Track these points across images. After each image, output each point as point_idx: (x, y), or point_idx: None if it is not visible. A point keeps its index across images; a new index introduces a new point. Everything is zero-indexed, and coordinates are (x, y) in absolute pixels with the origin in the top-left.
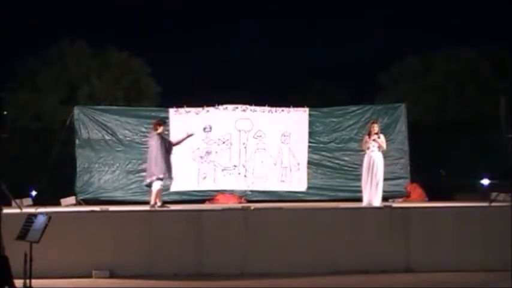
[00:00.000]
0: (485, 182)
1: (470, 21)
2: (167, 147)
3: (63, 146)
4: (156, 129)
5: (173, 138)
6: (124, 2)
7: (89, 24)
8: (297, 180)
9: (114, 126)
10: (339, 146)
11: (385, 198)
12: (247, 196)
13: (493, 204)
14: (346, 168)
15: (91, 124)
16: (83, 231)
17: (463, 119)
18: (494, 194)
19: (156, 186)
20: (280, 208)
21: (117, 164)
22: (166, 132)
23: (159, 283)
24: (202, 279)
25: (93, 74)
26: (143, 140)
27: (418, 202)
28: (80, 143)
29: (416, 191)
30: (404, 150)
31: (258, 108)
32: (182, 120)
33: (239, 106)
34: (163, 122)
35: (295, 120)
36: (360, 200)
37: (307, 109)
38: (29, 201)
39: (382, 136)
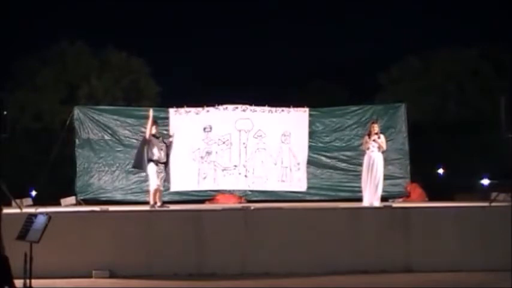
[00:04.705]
0: (485, 182)
1: (470, 21)
2: (148, 145)
3: (63, 146)
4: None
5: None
6: (124, 2)
7: (88, 24)
8: (297, 180)
9: (114, 126)
10: (339, 146)
11: (385, 198)
12: (247, 196)
13: (493, 204)
14: (346, 168)
15: (91, 124)
16: (83, 231)
17: (463, 119)
18: (494, 194)
19: (153, 186)
20: (280, 208)
21: (117, 164)
22: (165, 132)
23: (159, 283)
24: (202, 279)
25: (93, 74)
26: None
27: (418, 202)
28: (80, 143)
29: (416, 191)
30: (404, 150)
31: (258, 108)
32: (182, 120)
33: (239, 106)
34: (155, 122)
35: (295, 120)
36: (360, 200)
37: (307, 109)
38: (29, 201)
39: (382, 136)
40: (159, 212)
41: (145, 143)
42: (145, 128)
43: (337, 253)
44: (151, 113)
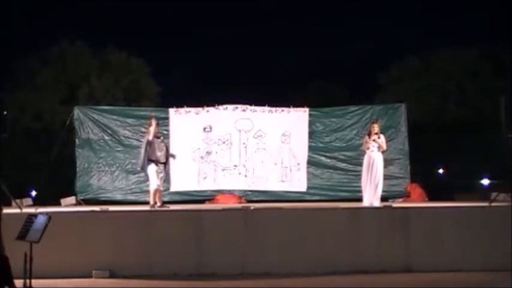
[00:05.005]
0: (485, 182)
1: (470, 21)
2: (150, 146)
3: (63, 146)
4: (148, 129)
5: (172, 139)
6: (124, 2)
7: (88, 24)
8: (297, 180)
9: (114, 126)
10: (339, 146)
11: (385, 198)
12: (247, 196)
13: (493, 204)
14: (346, 168)
15: (91, 124)
16: (83, 231)
17: (463, 119)
18: (494, 194)
19: (153, 186)
20: (280, 208)
21: (117, 164)
22: (165, 132)
23: (159, 283)
24: (202, 279)
25: (93, 74)
26: (143, 140)
27: (418, 202)
28: (80, 143)
29: (416, 191)
30: (404, 150)
31: (258, 108)
32: (182, 120)
33: (239, 106)
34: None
35: (295, 120)
36: (360, 200)
37: (307, 109)
38: (29, 201)
39: (382, 136)
40: (159, 212)
41: (148, 145)
42: (145, 128)
43: (337, 253)
44: (154, 122)
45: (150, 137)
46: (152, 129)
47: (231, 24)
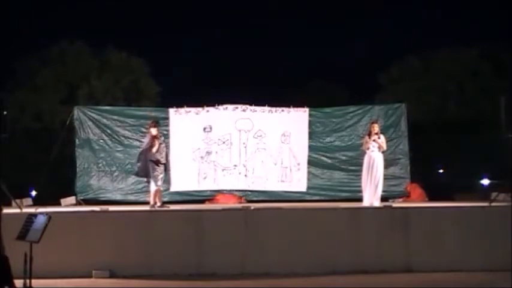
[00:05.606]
0: (485, 182)
1: (470, 21)
2: (152, 149)
3: (63, 146)
4: (149, 130)
5: (172, 139)
6: (124, 2)
7: (88, 24)
8: (297, 180)
9: (114, 126)
10: (339, 146)
11: (385, 198)
12: (247, 196)
13: (493, 204)
14: (346, 168)
15: (91, 124)
16: (83, 231)
17: (463, 119)
18: (494, 194)
19: (153, 186)
20: (280, 208)
21: (117, 164)
22: (165, 132)
23: (159, 283)
24: (202, 279)
25: (93, 74)
26: (143, 140)
27: (418, 202)
28: (80, 143)
29: (416, 191)
30: (404, 151)
31: (258, 108)
32: (182, 120)
33: (239, 106)
34: (157, 122)
35: (295, 120)
36: (360, 200)
37: (307, 109)
38: (29, 201)
39: (382, 136)
40: (159, 212)
41: (148, 148)
42: (145, 128)
43: (337, 253)
44: (154, 130)
45: (154, 150)
46: (155, 147)
47: (231, 24)
